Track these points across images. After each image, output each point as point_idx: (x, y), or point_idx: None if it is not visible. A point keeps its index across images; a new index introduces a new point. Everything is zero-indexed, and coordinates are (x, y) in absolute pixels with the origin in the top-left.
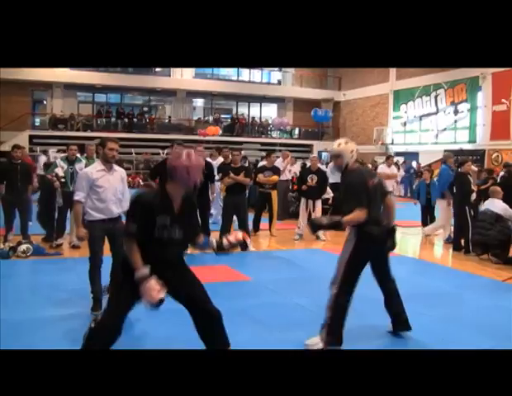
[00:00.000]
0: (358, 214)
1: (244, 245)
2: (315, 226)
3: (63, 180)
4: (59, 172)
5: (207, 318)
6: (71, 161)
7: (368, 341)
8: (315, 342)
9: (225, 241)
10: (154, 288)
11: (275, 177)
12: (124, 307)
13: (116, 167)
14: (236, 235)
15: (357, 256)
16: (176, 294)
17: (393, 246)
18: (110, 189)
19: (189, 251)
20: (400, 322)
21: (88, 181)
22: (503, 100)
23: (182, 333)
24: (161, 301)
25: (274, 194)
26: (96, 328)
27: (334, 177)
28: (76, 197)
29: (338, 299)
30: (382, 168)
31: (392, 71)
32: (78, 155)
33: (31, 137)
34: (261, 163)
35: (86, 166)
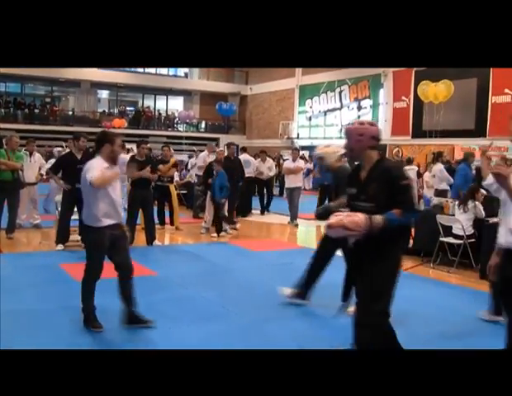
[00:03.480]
0: None
1: None
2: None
3: None
4: None
5: None
6: None
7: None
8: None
9: None
10: None
11: (174, 170)
12: None
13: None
14: None
15: None
16: None
17: None
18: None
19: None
20: None
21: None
22: (403, 97)
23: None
24: None
25: (172, 187)
26: None
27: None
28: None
29: None
30: (287, 163)
31: None
32: None
33: None
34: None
35: (9, 159)
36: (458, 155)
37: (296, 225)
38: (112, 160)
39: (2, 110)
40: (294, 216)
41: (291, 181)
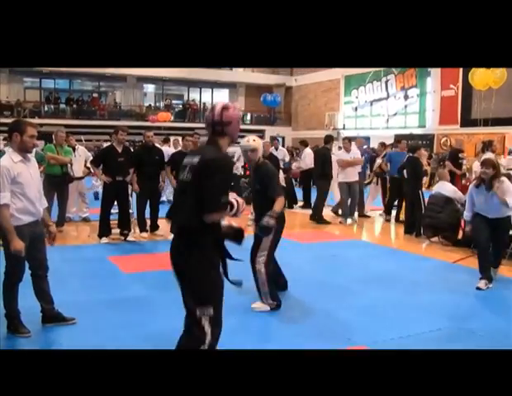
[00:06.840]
0: (283, 200)
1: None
2: (267, 230)
3: None
4: None
5: None
6: None
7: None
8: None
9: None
10: None
11: None
12: None
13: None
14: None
15: (279, 233)
16: None
17: None
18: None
19: (132, 238)
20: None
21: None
22: (451, 85)
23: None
24: None
25: None
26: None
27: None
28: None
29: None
30: (339, 155)
31: None
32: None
33: None
34: None
35: (58, 154)
36: (509, 144)
37: (355, 221)
38: (24, 151)
39: (52, 107)
40: (353, 211)
41: (348, 175)
